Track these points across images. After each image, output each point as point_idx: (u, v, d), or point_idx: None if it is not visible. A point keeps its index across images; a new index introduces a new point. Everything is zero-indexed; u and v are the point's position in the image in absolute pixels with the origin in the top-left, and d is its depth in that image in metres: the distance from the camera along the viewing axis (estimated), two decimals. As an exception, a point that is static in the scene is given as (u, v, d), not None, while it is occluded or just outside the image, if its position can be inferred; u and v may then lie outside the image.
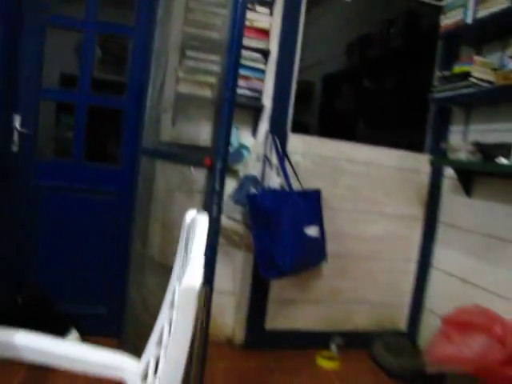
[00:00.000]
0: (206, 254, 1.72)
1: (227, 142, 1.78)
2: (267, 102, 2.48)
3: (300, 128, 2.62)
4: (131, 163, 2.33)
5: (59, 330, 2.15)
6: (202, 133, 2.21)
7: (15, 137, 2.24)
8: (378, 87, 3.32)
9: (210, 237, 1.75)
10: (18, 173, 2.31)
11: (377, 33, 3.19)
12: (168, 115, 2.16)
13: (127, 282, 2.31)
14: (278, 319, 2.63)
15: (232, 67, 1.72)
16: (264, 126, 2.51)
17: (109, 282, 2.43)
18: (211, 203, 1.78)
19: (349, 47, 3.30)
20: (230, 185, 2.40)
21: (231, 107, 1.74)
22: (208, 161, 1.81)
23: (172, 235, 2.10)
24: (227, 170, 2.38)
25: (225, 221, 2.40)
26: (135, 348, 2.00)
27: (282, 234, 2.25)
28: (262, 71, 2.43)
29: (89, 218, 2.38)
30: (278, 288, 2.60)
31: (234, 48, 1.69)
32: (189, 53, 2.21)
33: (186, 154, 2.10)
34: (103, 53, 3.18)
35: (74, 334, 2.24)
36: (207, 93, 2.36)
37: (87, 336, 2.34)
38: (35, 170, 2.32)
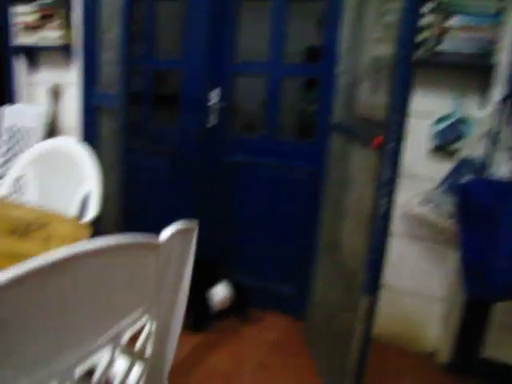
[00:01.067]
0: (370, 257, 1.41)
1: (402, 115, 1.37)
2: (504, 57, 1.83)
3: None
4: (325, 139, 2.11)
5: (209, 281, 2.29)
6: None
7: (213, 111, 2.33)
8: None
9: (376, 237, 1.41)
10: (214, 147, 2.41)
11: None
12: (362, 85, 1.83)
13: (314, 264, 2.16)
14: (502, 348, 2.00)
15: (410, 9, 1.29)
16: (498, 91, 1.87)
17: (296, 261, 2.33)
18: (379, 195, 1.42)
19: None
20: (443, 170, 1.92)
21: (406, 68, 1.33)
22: (377, 140, 1.44)
23: (350, 226, 1.81)
24: (444, 150, 1.91)
25: (431, 213, 1.94)
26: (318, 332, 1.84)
27: (502, 241, 1.65)
28: (495, 16, 1.79)
29: (280, 194, 2.31)
30: (504, 308, 1.96)
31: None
32: (388, 5, 1.80)
33: (362, 131, 1.75)
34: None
35: (221, 284, 2.29)
36: (415, 55, 1.90)
37: (269, 311, 2.40)
38: (230, 145, 2.38)
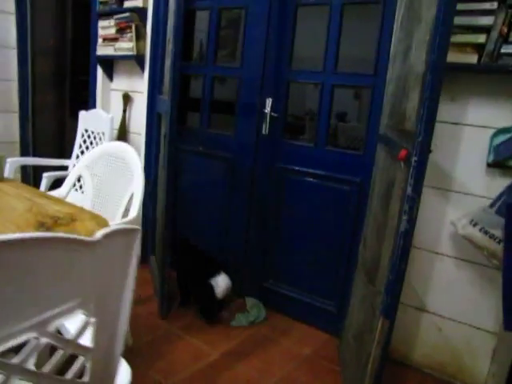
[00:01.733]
0: (388, 278, 1.32)
1: (429, 126, 1.27)
2: None
3: None
4: (372, 151, 2.02)
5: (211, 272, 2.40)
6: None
7: (267, 119, 2.34)
8: None
9: (393, 259, 1.32)
10: (266, 154, 2.41)
11: None
12: (403, 94, 1.73)
13: (352, 280, 2.07)
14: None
15: (443, 10, 1.20)
16: None
17: (338, 276, 2.25)
18: (400, 211, 1.33)
19: None
20: (499, 188, 1.75)
21: (436, 74, 1.23)
22: (403, 152, 1.35)
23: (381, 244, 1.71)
24: (501, 166, 1.74)
25: (482, 234, 1.77)
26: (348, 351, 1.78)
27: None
28: None
29: (327, 205, 2.24)
30: None
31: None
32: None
33: (394, 142, 1.64)
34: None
35: (222, 275, 2.38)
36: (472, 59, 1.75)
37: (306, 325, 2.39)
38: (281, 153, 2.36)
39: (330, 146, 2.29)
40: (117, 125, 3.03)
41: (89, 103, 3.25)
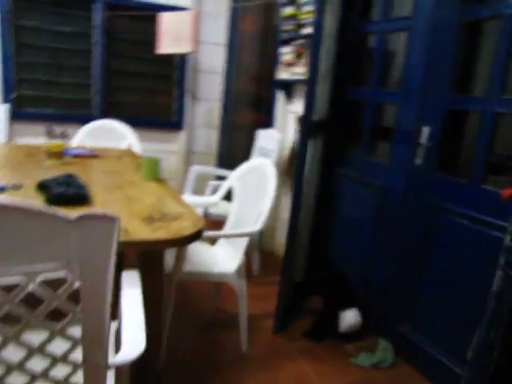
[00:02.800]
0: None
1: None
2: None
3: None
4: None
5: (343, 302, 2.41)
6: None
7: (421, 149, 2.14)
8: None
9: (485, 320, 1.10)
10: (417, 186, 2.20)
11: None
12: None
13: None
14: None
15: None
16: None
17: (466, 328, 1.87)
18: (501, 262, 1.09)
19: None
20: None
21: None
22: (508, 191, 1.10)
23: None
24: None
25: None
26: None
27: None
28: None
29: (475, 256, 1.91)
30: None
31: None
32: None
33: None
34: None
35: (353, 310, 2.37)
36: None
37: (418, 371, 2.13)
38: (432, 187, 2.12)
39: (490, 184, 1.95)
40: (282, 144, 3.20)
41: (268, 123, 3.53)
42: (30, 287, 0.80)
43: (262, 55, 4.04)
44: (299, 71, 3.01)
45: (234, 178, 2.37)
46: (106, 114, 3.74)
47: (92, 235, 0.79)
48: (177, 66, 4.03)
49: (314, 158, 2.56)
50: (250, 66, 4.17)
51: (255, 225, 2.01)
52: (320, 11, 2.22)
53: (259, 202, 2.09)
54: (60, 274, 0.81)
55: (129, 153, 2.77)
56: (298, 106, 3.26)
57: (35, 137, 3.25)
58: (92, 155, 2.48)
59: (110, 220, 0.80)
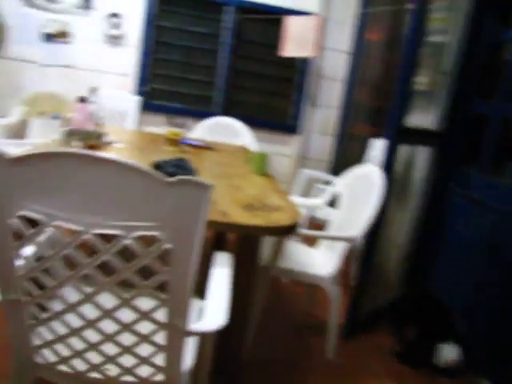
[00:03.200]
0: None
1: None
2: None
3: None
4: None
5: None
6: None
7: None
8: None
9: None
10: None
11: None
12: None
13: None
14: None
15: None
16: None
17: None
18: None
19: None
20: None
21: None
22: None
23: None
24: None
25: None
26: None
27: None
28: None
29: None
30: None
31: None
32: None
33: None
34: None
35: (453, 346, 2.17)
36: None
37: None
38: None
39: None
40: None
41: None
42: (127, 241, 0.86)
43: (386, 65, 3.92)
44: (422, 81, 2.85)
45: (341, 183, 2.32)
46: (225, 111, 3.92)
47: (186, 200, 0.83)
48: (299, 70, 4.08)
49: (422, 170, 2.41)
50: (372, 76, 4.07)
51: (355, 231, 1.94)
52: (418, 13, 2.10)
53: (364, 210, 2.02)
54: (154, 233, 0.86)
55: (242, 149, 2.87)
56: (418, 118, 3.09)
57: (158, 126, 3.54)
58: (206, 147, 2.61)
59: (203, 187, 0.82)
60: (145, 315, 0.93)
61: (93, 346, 0.98)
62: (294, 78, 4.12)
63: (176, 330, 0.94)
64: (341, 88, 4.17)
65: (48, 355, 1.03)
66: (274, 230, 1.40)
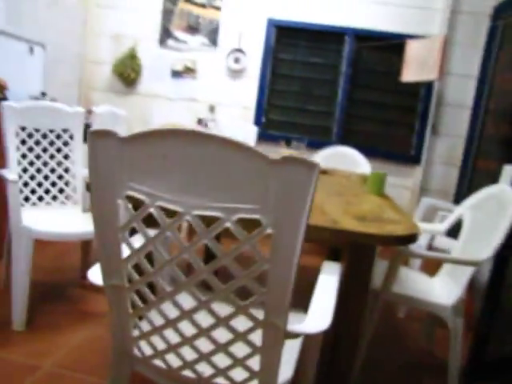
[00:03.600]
0: None
1: None
2: None
3: None
4: None
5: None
6: None
7: None
8: None
9: None
10: None
11: None
12: None
13: None
14: None
15: None
16: None
17: None
18: None
19: None
20: None
21: None
22: None
23: None
24: None
25: None
26: None
27: None
28: None
29: None
30: None
31: None
32: None
33: None
34: None
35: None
36: None
37: None
38: None
39: None
40: None
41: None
42: (227, 224, 0.80)
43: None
44: None
45: (466, 206, 2.07)
46: (343, 141, 3.83)
47: (291, 180, 0.75)
48: (421, 97, 3.86)
49: None
50: (505, 104, 3.69)
51: (481, 254, 1.69)
52: None
53: (492, 233, 1.76)
54: (255, 216, 0.79)
55: (359, 175, 2.74)
56: None
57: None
58: (321, 170, 2.54)
59: (310, 166, 0.74)
60: (242, 309, 0.85)
61: (187, 341, 0.92)
62: (415, 106, 3.91)
63: (274, 329, 0.84)
64: (468, 117, 3.84)
65: (144, 348, 1.00)
66: (389, 239, 1.25)
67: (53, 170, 2.21)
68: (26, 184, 2.09)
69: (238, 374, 0.92)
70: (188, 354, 0.94)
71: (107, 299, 0.97)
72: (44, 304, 2.07)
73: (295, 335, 0.87)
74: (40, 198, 2.16)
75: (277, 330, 0.85)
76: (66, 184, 2.25)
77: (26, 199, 2.10)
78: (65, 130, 2.22)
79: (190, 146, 0.81)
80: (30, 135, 2.09)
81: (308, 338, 1.11)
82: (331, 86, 3.91)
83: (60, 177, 2.24)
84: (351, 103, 3.91)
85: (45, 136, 2.16)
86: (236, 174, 0.79)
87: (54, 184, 2.22)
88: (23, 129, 2.05)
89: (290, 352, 1.07)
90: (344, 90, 3.87)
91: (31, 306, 1.90)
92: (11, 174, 1.88)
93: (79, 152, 2.28)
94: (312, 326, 0.86)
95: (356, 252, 1.35)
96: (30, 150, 2.11)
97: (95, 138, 0.85)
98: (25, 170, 2.08)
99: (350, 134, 3.96)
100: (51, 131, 2.19)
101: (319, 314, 0.90)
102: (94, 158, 0.86)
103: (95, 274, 0.96)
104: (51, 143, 2.19)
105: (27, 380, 1.53)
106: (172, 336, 0.94)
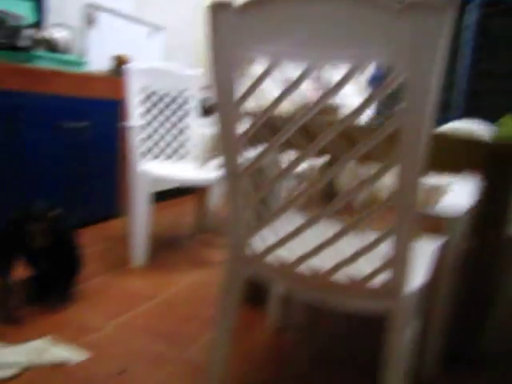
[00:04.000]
0: None
1: None
2: None
3: None
4: None
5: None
6: None
7: None
8: None
9: None
10: None
11: None
12: None
13: None
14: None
15: None
16: None
17: None
18: None
19: None
20: None
21: None
22: None
23: None
24: None
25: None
26: None
27: None
28: None
29: None
30: None
31: None
32: None
33: None
34: None
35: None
36: None
37: None
38: None
39: None
40: None
41: None
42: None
43: None
44: None
45: None
46: (466, 116, 3.50)
47: (420, 28, 0.66)
48: None
49: None
50: None
51: None
52: None
53: None
54: (388, 62, 0.71)
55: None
56: None
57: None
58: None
59: (441, 9, 0.65)
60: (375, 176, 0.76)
61: (298, 230, 0.86)
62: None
63: (403, 208, 0.75)
64: None
65: (256, 245, 0.95)
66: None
67: (173, 126, 2.31)
68: (148, 137, 2.21)
69: (358, 269, 0.83)
70: (301, 246, 0.88)
71: (226, 191, 0.93)
72: (160, 251, 2.17)
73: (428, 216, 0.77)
74: (161, 152, 2.27)
75: (406, 207, 0.75)
76: (185, 140, 2.34)
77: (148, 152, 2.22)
78: (183, 91, 2.32)
79: (309, 3, 0.75)
80: (151, 94, 2.21)
81: (444, 247, 0.99)
82: (452, 57, 3.59)
83: (180, 132, 2.34)
84: (476, 76, 3.57)
85: (165, 96, 2.27)
86: (361, 28, 0.71)
87: (174, 139, 2.32)
88: (145, 89, 2.17)
89: (426, 259, 0.97)
90: (468, 61, 3.54)
91: (148, 251, 2.01)
92: (132, 122, 2.02)
93: (196, 112, 2.36)
94: (448, 209, 0.75)
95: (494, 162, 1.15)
96: (153, 106, 2.23)
97: (214, 10, 0.84)
98: (147, 125, 2.20)
99: (473, 109, 3.60)
100: (171, 92, 2.29)
101: (455, 199, 0.79)
102: (215, 30, 0.85)
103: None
104: (171, 101, 2.30)
105: (145, 304, 1.60)
106: (282, 228, 0.88)
